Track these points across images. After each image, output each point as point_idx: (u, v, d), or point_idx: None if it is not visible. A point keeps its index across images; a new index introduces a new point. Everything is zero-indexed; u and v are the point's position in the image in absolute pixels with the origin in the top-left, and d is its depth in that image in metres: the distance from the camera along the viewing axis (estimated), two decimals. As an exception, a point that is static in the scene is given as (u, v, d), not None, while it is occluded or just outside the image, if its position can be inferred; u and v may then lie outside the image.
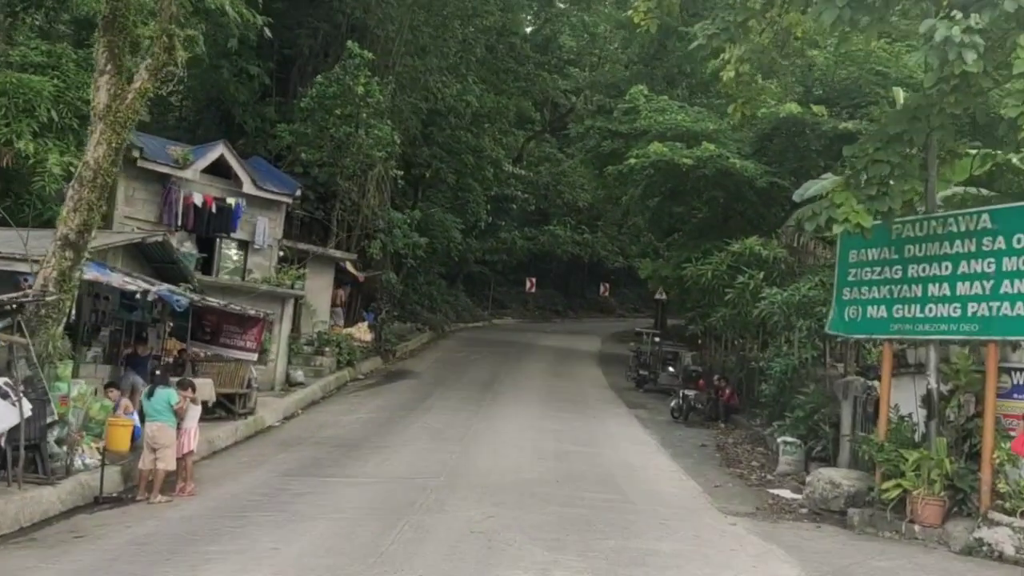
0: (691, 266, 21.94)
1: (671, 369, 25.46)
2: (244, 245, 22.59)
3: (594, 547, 9.84)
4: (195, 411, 12.42)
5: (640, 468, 15.75)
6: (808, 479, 13.88)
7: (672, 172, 24.26)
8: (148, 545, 9.37)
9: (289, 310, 22.06)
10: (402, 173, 29.36)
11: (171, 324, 17.67)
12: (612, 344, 41.55)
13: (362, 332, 28.19)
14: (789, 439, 15.89)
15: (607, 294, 55.92)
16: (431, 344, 35.30)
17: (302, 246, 24.41)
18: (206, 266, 21.76)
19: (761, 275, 20.37)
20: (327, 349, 24.12)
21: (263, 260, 22.71)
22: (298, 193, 23.25)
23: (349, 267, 26.49)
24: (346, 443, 16.61)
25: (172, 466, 11.92)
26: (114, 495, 11.86)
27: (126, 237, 16.34)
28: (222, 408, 17.52)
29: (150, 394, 11.92)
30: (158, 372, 11.86)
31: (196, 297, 15.37)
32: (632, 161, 24.23)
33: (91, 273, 13.26)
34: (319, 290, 25.10)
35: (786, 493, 14.26)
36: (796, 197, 18.63)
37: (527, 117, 44.26)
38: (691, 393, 21.82)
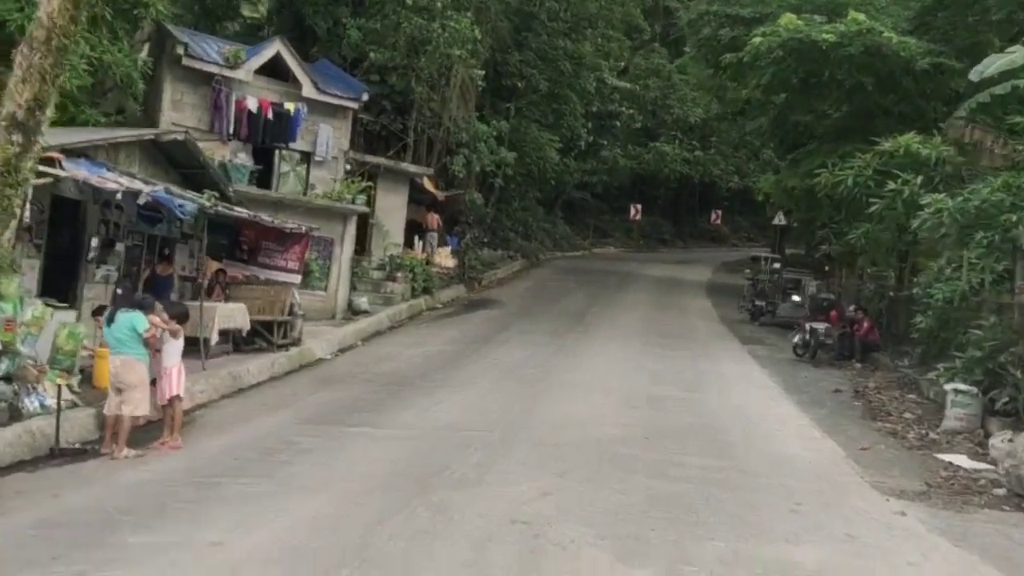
0: (826, 172, 17.55)
1: (795, 299, 21.25)
2: (306, 157, 19.62)
3: (691, 553, 6.37)
4: (176, 345, 9.47)
5: (759, 420, 12.03)
6: (995, 443, 9.91)
7: (807, 55, 19.49)
8: (52, 530, 6.47)
9: (352, 229, 19.07)
10: (483, 74, 25.61)
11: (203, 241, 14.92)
12: (724, 274, 37.22)
13: (443, 257, 25.12)
14: (961, 387, 11.81)
15: (719, 222, 51.05)
16: (522, 273, 31.98)
17: (371, 159, 21.29)
18: (263, 180, 18.94)
19: (919, 180, 15.89)
20: (399, 275, 21.12)
21: (327, 174, 19.69)
22: (365, 97, 19.99)
23: (427, 184, 23.26)
24: (398, 380, 13.55)
25: (142, 411, 9.07)
26: (76, 446, 9.11)
27: (135, 133, 13.50)
28: (262, 339, 14.76)
29: (110, 319, 9.01)
30: (119, 291, 8.98)
31: (207, 204, 12.40)
32: (757, 41, 19.61)
33: (71, 170, 10.44)
34: (392, 209, 22.04)
35: (962, 460, 10.31)
36: (974, 76, 14.16)
37: (635, 26, 39.50)
38: (820, 326, 17.73)
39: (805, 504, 7.91)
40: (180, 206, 11.53)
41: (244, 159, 18.55)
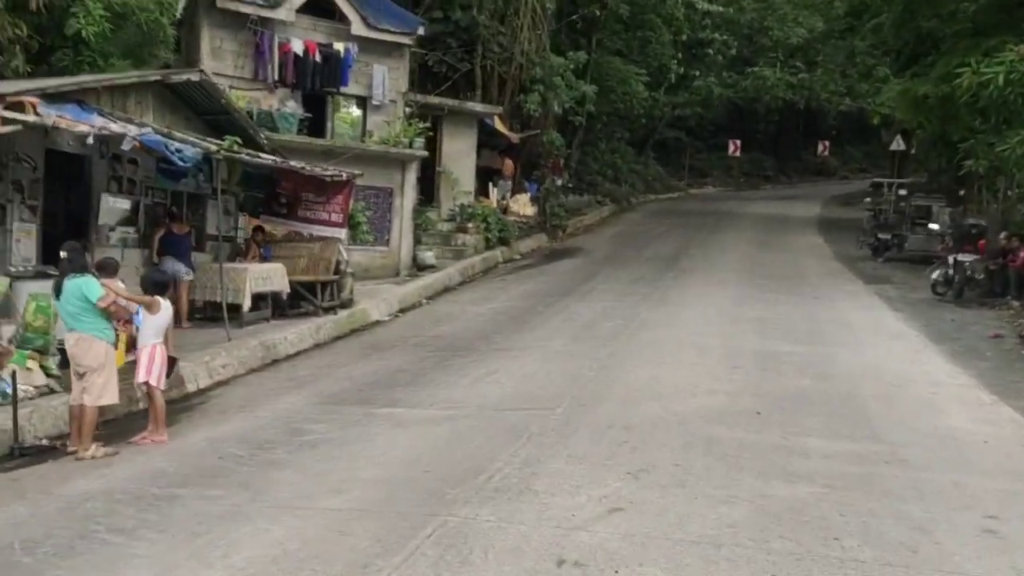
0: (969, 71, 14.13)
1: (932, 227, 17.80)
2: (362, 102, 17.49)
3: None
4: (153, 321, 7.46)
5: (904, 382, 9.23)
6: None
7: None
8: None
9: (412, 177, 16.91)
10: (553, 6, 22.79)
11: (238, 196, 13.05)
12: (836, 208, 33.49)
13: (521, 205, 22.73)
14: None
15: (826, 153, 46.49)
16: (612, 218, 29.28)
17: (433, 99, 18.97)
18: (316, 129, 16.94)
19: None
20: (470, 225, 18.89)
21: (385, 119, 17.52)
22: (421, 31, 17.61)
23: (498, 124, 20.81)
24: (454, 344, 11.38)
25: (107, 399, 7.17)
26: (43, 442, 7.32)
27: (135, 75, 11.56)
28: (308, 302, 12.84)
29: (57, 290, 7.07)
30: (64, 253, 7.03)
31: (213, 147, 10.36)
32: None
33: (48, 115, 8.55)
34: (460, 155, 19.74)
35: None
36: None
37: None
38: (967, 258, 14.50)
39: (1002, 518, 5.27)
40: (178, 151, 9.52)
41: (293, 107, 16.55)
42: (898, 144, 34.71)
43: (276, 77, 16.25)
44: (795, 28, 34.80)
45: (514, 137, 21.75)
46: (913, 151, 34.96)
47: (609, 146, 35.18)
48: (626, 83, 29.18)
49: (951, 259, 14.59)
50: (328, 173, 12.55)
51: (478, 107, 19.88)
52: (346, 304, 13.18)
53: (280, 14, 16.14)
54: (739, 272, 17.74)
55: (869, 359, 10.17)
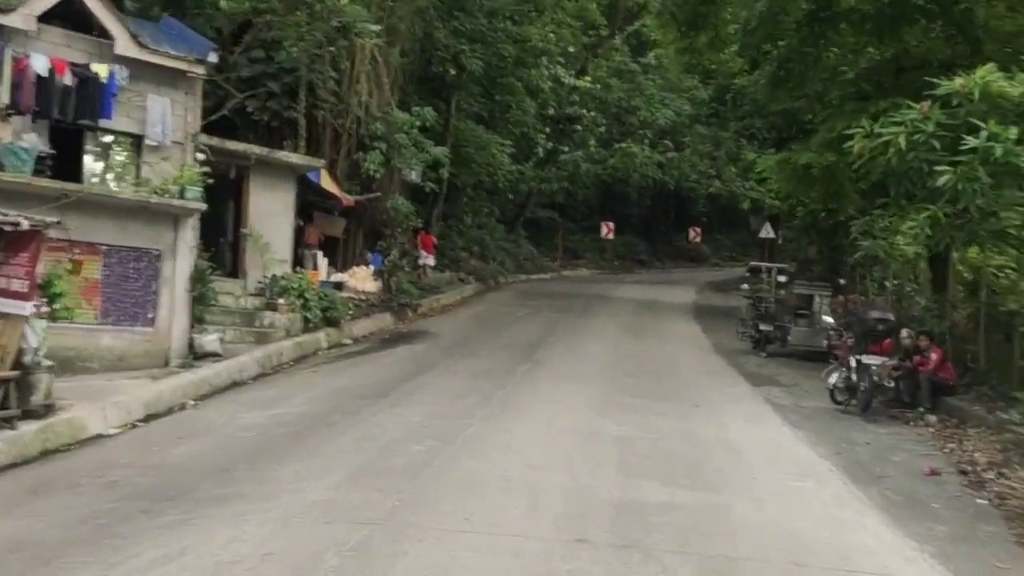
0: (861, 135, 11.38)
1: (827, 319, 14.83)
2: (138, 142, 13.33)
3: None
4: None
5: (837, 566, 5.72)
6: None
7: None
8: None
9: (188, 236, 12.70)
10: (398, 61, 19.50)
11: None
12: (711, 294, 31.12)
13: (361, 279, 18.83)
14: None
15: (698, 240, 45.07)
16: (475, 298, 25.70)
17: (234, 145, 14.98)
18: (66, 169, 12.56)
19: (1013, 133, 9.92)
20: (282, 302, 14.79)
21: (171, 167, 13.37)
22: (213, 58, 13.70)
23: (326, 182, 16.97)
24: (168, 485, 7.20)
25: None
26: None
27: None
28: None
29: None
30: None
31: None
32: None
33: None
34: (273, 215, 15.75)
35: None
36: None
37: (591, 22, 33.65)
38: (873, 360, 11.42)
39: None
40: None
41: (34, 140, 12.24)
42: (767, 232, 33.08)
43: (7, 101, 11.97)
44: (662, 110, 33.00)
45: (347, 199, 17.94)
46: (780, 241, 33.42)
47: (476, 221, 32.01)
48: (487, 150, 26.11)
49: (853, 361, 11.55)
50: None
51: (293, 158, 16.00)
52: (39, 412, 8.78)
53: (15, 21, 11.91)
54: (605, 366, 14.34)
55: (778, 519, 6.65)
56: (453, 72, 23.45)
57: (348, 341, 16.28)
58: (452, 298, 24.27)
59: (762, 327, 17.56)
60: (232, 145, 15.05)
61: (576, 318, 21.58)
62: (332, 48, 17.65)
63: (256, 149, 15.40)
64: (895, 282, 20.94)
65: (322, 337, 15.57)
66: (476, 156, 26.90)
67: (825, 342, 16.79)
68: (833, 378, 12.12)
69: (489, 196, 33.03)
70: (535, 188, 31.00)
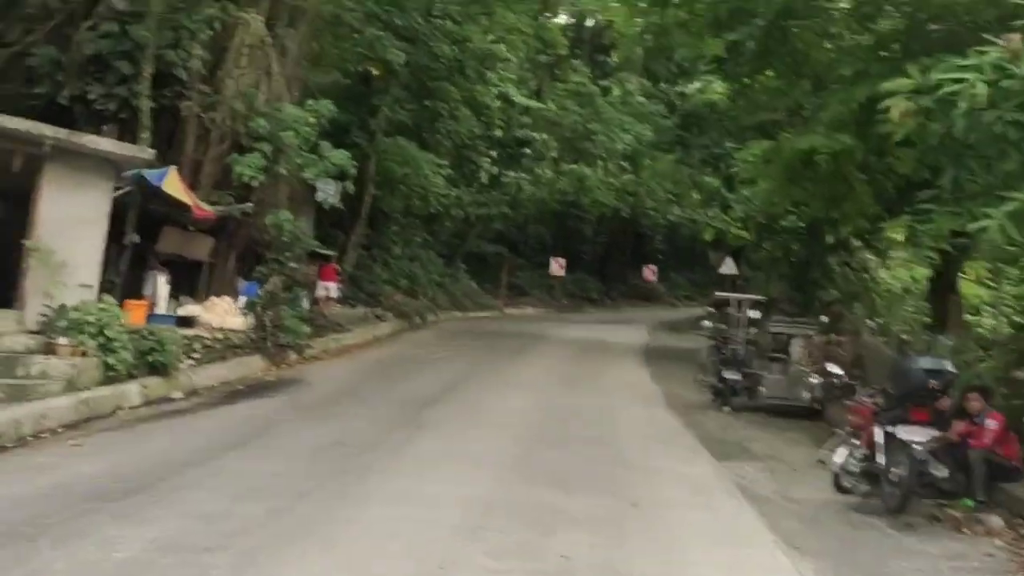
0: (913, 85, 7.15)
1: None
2: None
3: None
4: None
5: None
6: None
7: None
8: None
9: None
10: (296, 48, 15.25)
11: None
12: (665, 335, 27.03)
13: (220, 313, 14.31)
14: None
15: (653, 279, 41.21)
16: (391, 338, 21.26)
17: (16, 125, 10.51)
18: None
19: None
20: (64, 341, 10.19)
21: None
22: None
23: (171, 185, 12.48)
24: None
25: None
26: None
27: None
28: None
29: None
30: None
31: None
32: None
33: None
34: (76, 224, 11.21)
35: None
36: None
37: (548, 41, 29.89)
38: (918, 437, 7.04)
39: None
40: None
41: None
42: (728, 267, 29.19)
43: None
44: (621, 134, 29.13)
45: (202, 210, 13.46)
46: (740, 280, 29.57)
47: (408, 252, 27.65)
48: (417, 169, 21.91)
49: (880, 434, 7.23)
50: None
51: (104, 144, 11.48)
52: None
53: None
54: (516, 433, 9.98)
55: None
56: (375, 72, 19.23)
57: (178, 395, 11.64)
58: (360, 337, 19.77)
59: (726, 375, 13.36)
60: (13, 124, 10.59)
61: (503, 363, 17.29)
62: (200, 18, 13.45)
63: (50, 131, 10.93)
64: (877, 320, 17.01)
65: (133, 391, 10.92)
66: (405, 177, 22.68)
67: (807, 395, 12.66)
68: (840, 456, 7.86)
69: (425, 225, 28.78)
70: (473, 215, 26.77)
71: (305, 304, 19.89)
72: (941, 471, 6.84)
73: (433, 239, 30.90)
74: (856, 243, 19.48)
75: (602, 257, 43.24)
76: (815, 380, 13.20)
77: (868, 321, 17.50)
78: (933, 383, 6.94)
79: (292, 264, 16.68)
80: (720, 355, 14.07)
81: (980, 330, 13.77)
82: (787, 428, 12.03)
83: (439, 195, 23.12)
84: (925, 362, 7.08)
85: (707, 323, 15.40)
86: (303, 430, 9.49)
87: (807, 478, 8.68)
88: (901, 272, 21.46)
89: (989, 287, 19.71)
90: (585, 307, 37.97)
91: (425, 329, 23.83)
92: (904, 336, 14.60)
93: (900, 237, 18.33)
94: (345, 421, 10.17)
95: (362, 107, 21.25)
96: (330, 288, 20.75)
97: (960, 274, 14.86)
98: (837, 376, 8.46)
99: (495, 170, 27.15)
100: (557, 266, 35.76)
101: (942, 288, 14.59)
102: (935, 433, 7.11)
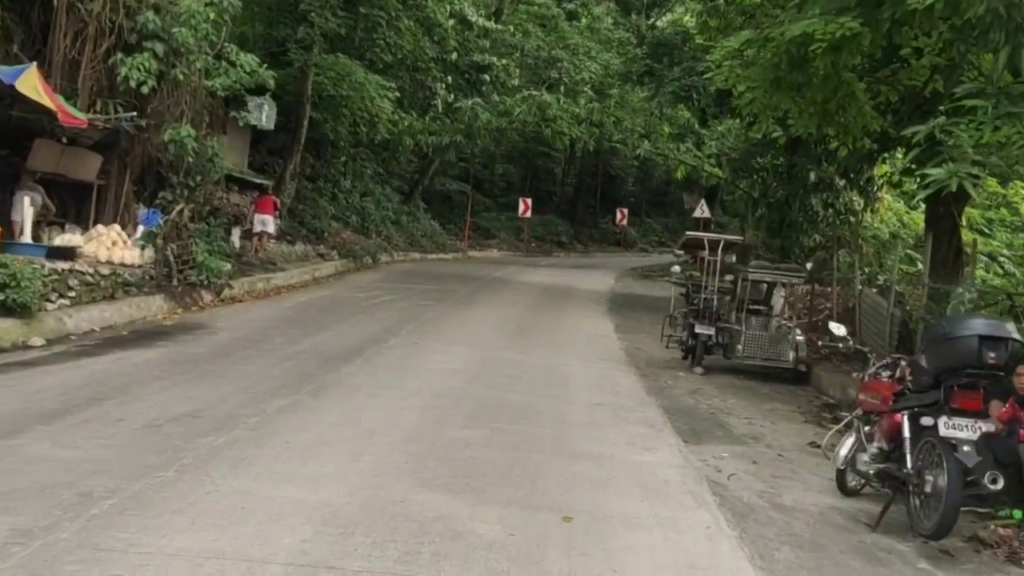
0: None
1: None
2: None
3: None
4: None
5: None
6: None
7: None
8: None
9: None
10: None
11: None
12: (632, 282, 24.98)
13: (107, 246, 11.90)
14: None
15: (624, 222, 39.07)
16: (333, 278, 18.99)
17: None
18: None
19: None
20: None
21: None
22: None
23: (26, 84, 9.91)
24: None
25: None
26: None
27: None
28: None
29: None
30: None
31: None
32: None
33: None
34: None
35: None
36: None
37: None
38: (965, 434, 4.97)
39: None
40: None
41: None
42: (702, 210, 27.12)
43: None
44: (587, 63, 26.40)
45: (70, 117, 10.86)
46: (714, 225, 27.43)
47: (359, 187, 25.14)
48: (360, 89, 19.28)
49: (910, 424, 5.09)
50: None
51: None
52: None
53: None
54: (434, 401, 7.83)
55: None
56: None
57: (38, 342, 9.35)
58: (296, 278, 17.46)
59: (698, 329, 11.25)
60: None
61: (450, 309, 15.13)
62: None
63: None
64: (867, 269, 14.99)
65: (-29, 336, 8.65)
66: (348, 100, 20.04)
67: (792, 354, 10.65)
68: (846, 447, 5.81)
69: (378, 158, 26.19)
70: (426, 144, 24.09)
71: (236, 239, 17.59)
72: (998, 483, 4.77)
73: (389, 174, 28.40)
74: (841, 182, 17.31)
75: (572, 199, 40.97)
76: (800, 337, 11.22)
77: (856, 271, 15.47)
78: (991, 356, 4.82)
79: (201, 192, 14.27)
80: (691, 306, 11.96)
81: (994, 282, 11.78)
82: (769, 395, 10.02)
83: (387, 121, 20.52)
84: (978, 325, 4.94)
85: (676, 268, 13.24)
86: (158, 394, 7.26)
87: (799, 470, 6.65)
88: (888, 216, 19.43)
89: (983, 234, 17.82)
90: (553, 251, 35.80)
91: (374, 271, 21.54)
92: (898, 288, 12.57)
93: (886, 175, 16.24)
94: (224, 381, 7.96)
95: (295, 19, 18.52)
96: (266, 222, 18.34)
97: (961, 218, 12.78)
98: (841, 339, 6.30)
99: (451, 97, 24.46)
100: (524, 207, 33.44)
101: (940, 233, 12.45)
102: (988, 427, 5.02)
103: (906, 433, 5.04)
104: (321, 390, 7.91)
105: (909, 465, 4.94)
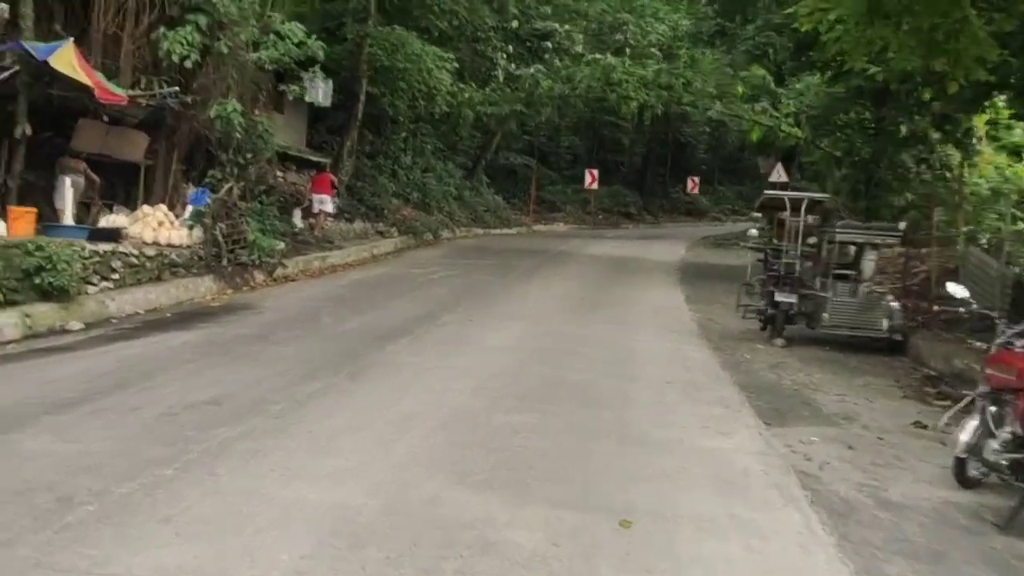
0: None
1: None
2: None
3: None
4: None
5: None
6: None
7: None
8: None
9: None
10: None
11: None
12: (705, 251, 23.72)
13: (154, 226, 11.54)
14: None
15: (695, 191, 37.39)
16: (392, 256, 18.46)
17: None
18: None
19: None
20: None
21: None
22: None
23: (60, 59, 9.52)
24: None
25: None
26: None
27: None
28: None
29: None
30: None
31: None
32: None
33: None
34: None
35: None
36: None
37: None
38: None
39: None
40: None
41: None
42: (778, 174, 25.42)
43: None
44: (654, 24, 24.92)
45: (109, 93, 10.45)
46: (792, 188, 25.71)
47: (421, 163, 24.56)
48: (419, 63, 18.57)
49: None
50: None
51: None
52: None
53: None
54: (484, 382, 7.08)
55: None
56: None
57: (77, 325, 9.00)
58: (354, 256, 16.98)
59: (779, 297, 10.13)
60: None
61: (510, 284, 14.36)
62: None
63: None
64: (967, 228, 13.48)
65: (6, 321, 8.32)
66: (405, 73, 19.36)
67: (886, 322, 9.46)
68: (968, 432, 4.77)
69: (439, 133, 25.50)
70: (485, 115, 23.18)
71: (298, 219, 17.23)
72: None
73: (451, 150, 27.71)
74: (935, 135, 15.72)
75: (640, 169, 39.51)
76: (894, 303, 9.98)
77: (954, 230, 13.97)
78: None
79: (255, 168, 13.84)
80: (771, 272, 10.81)
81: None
82: (860, 368, 8.88)
83: (447, 93, 19.76)
84: None
85: (754, 231, 12.05)
86: (184, 379, 6.71)
87: (905, 456, 5.61)
88: (988, 171, 17.58)
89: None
90: (621, 223, 34.60)
91: (435, 247, 20.93)
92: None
93: (990, 124, 14.64)
94: (257, 365, 7.38)
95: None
96: (324, 201, 17.90)
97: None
98: (962, 301, 5.20)
99: (512, 67, 23.48)
100: (591, 178, 32.28)
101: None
102: None
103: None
104: (361, 372, 7.25)
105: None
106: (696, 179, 37.22)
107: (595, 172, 32.63)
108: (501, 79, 23.55)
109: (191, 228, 12.13)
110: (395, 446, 5.10)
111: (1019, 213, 15.08)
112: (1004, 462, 4.36)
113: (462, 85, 21.36)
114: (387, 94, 20.29)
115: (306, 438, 5.19)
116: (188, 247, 11.93)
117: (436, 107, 20.41)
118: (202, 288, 11.65)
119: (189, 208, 12.46)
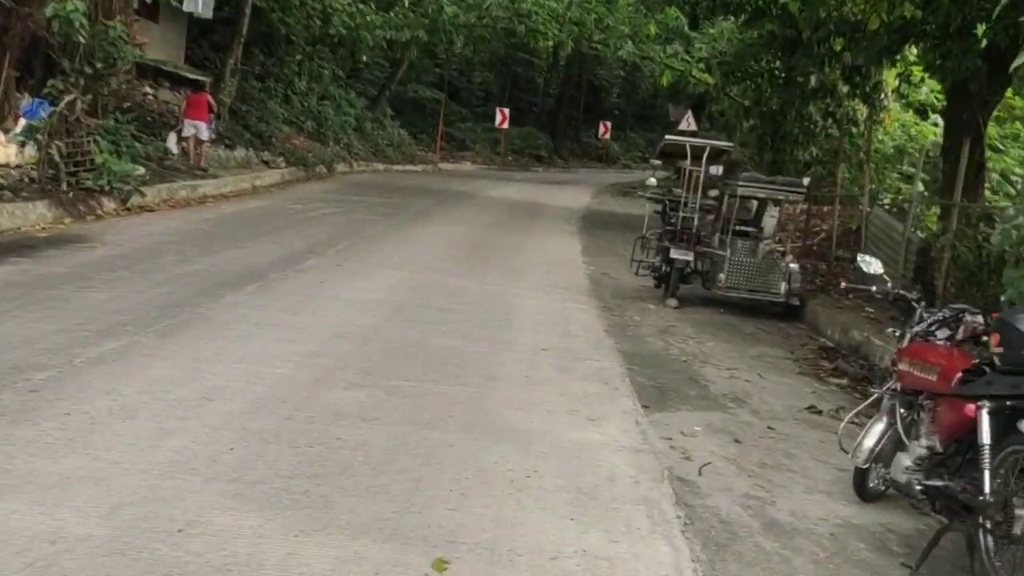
0: None
1: (775, 248, 5.53)
2: None
3: None
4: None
5: None
6: None
7: None
8: None
9: None
10: None
11: None
12: (610, 199, 22.94)
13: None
14: None
15: (607, 136, 36.57)
16: (275, 188, 16.79)
17: None
18: None
19: None
20: None
21: None
22: None
23: None
24: None
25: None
26: None
27: None
28: None
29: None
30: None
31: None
32: None
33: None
34: None
35: None
36: None
37: None
38: None
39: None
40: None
41: None
42: (688, 123, 24.71)
43: None
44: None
45: None
46: (699, 133, 25.09)
47: (317, 89, 22.58)
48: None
49: (989, 418, 3.20)
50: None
51: None
52: None
53: None
54: (329, 346, 5.88)
55: None
56: None
57: None
58: (231, 186, 15.25)
59: (674, 254, 9.25)
60: None
61: (398, 225, 13.09)
62: None
63: None
64: (870, 187, 12.94)
65: None
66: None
67: (784, 285, 8.76)
68: (872, 437, 3.92)
69: (335, 56, 23.47)
70: (382, 39, 21.31)
71: (172, 144, 15.31)
72: None
73: (354, 77, 25.74)
74: (844, 88, 15.07)
75: (553, 111, 38.31)
76: (793, 265, 9.28)
77: (866, 187, 13.48)
78: None
79: (110, 80, 11.93)
80: (667, 226, 9.93)
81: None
82: (755, 335, 8.16)
83: (343, 14, 17.86)
84: None
85: (652, 181, 11.13)
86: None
87: (797, 453, 4.80)
88: (893, 128, 17.23)
89: (995, 150, 15.79)
90: (531, 165, 33.48)
91: (327, 181, 19.29)
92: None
93: (900, 77, 14.07)
94: (55, 314, 5.96)
95: None
96: (199, 128, 15.93)
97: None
98: (874, 278, 4.28)
99: (426, -7, 21.65)
100: (501, 117, 30.88)
101: (959, 145, 10.34)
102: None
103: (984, 436, 3.13)
104: (178, 328, 5.93)
105: (987, 488, 3.05)
106: (608, 124, 36.37)
107: (506, 111, 31.28)
108: (406, 3, 21.65)
109: (22, 145, 10.29)
110: (170, 440, 3.89)
111: (925, 175, 14.71)
112: (918, 486, 3.52)
113: (361, 6, 19.43)
114: (276, 10, 18.25)
115: (53, 425, 3.91)
116: (18, 167, 10.12)
117: (333, 28, 18.49)
118: (32, 216, 9.88)
119: (22, 122, 10.57)
